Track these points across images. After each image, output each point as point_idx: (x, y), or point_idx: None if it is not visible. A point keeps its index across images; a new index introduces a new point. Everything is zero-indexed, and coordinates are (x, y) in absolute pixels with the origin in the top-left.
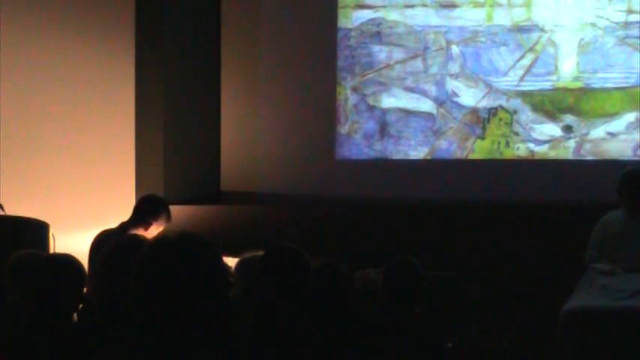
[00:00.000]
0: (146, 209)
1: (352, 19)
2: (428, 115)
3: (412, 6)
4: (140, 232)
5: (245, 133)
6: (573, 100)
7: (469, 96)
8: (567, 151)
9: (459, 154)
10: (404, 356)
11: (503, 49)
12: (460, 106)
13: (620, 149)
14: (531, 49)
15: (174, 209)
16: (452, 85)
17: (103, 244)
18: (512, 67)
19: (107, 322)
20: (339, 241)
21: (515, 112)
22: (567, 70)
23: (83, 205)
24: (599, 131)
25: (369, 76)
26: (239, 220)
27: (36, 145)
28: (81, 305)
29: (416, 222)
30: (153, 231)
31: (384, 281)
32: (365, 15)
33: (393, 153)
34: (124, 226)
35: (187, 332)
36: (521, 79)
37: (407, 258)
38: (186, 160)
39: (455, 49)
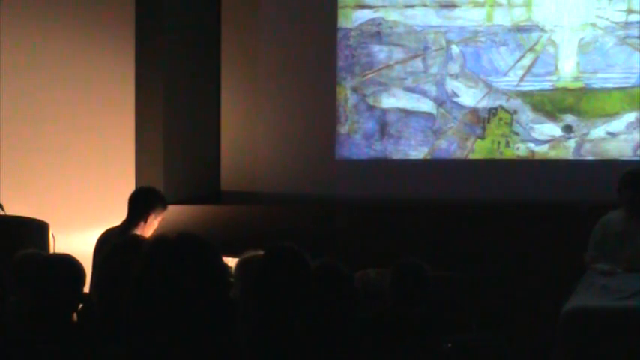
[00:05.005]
0: (140, 202)
1: (352, 19)
2: (428, 115)
3: (412, 6)
4: (141, 226)
5: (245, 133)
6: (573, 100)
7: (469, 96)
8: (567, 151)
9: (459, 154)
10: (404, 356)
11: (503, 49)
12: (460, 106)
13: (620, 149)
14: (531, 49)
15: (174, 209)
16: (452, 85)
17: (106, 243)
18: (512, 67)
19: (107, 322)
20: (339, 241)
21: (515, 112)
22: (567, 70)
23: (83, 205)
24: (599, 131)
25: (369, 76)
26: (239, 220)
27: (36, 145)
28: (81, 305)
29: (416, 222)
30: (153, 222)
31: (390, 282)
32: (365, 15)
33: (393, 153)
34: (125, 225)
35: (187, 332)
36: (521, 79)
37: (415, 260)
38: (186, 160)
39: (455, 49)
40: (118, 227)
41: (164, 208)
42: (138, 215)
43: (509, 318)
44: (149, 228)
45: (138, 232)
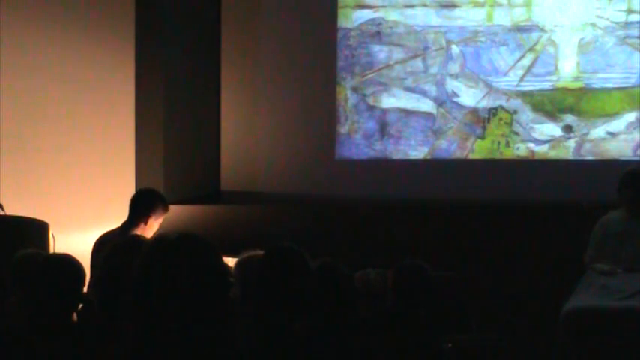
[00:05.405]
0: (141, 204)
1: (352, 19)
2: (428, 115)
3: (412, 6)
4: (141, 228)
5: (245, 133)
6: (573, 100)
7: (469, 96)
8: (567, 151)
9: (459, 154)
10: (404, 356)
11: (503, 49)
12: (460, 106)
13: (620, 149)
14: (531, 49)
15: (174, 209)
16: (452, 85)
17: (104, 245)
18: (512, 67)
19: (107, 322)
20: (339, 241)
21: (515, 112)
22: (567, 70)
23: (83, 205)
24: (599, 131)
25: (369, 76)
26: (239, 220)
27: (36, 145)
28: (81, 305)
29: (416, 222)
30: (153, 224)
31: (392, 283)
32: (365, 15)
33: (393, 153)
34: (124, 226)
35: (187, 332)
36: (521, 79)
37: (417, 261)
38: (186, 160)
39: (455, 49)
40: (117, 229)
41: (165, 210)
42: (138, 217)
43: (509, 318)
44: (149, 229)
45: (138, 233)
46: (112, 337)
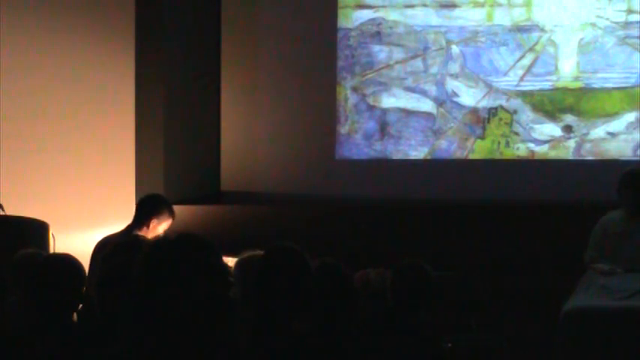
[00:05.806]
0: (144, 207)
1: (352, 19)
2: (428, 115)
3: (412, 6)
4: (143, 231)
5: (245, 133)
6: (573, 100)
7: (469, 96)
8: (567, 151)
9: (459, 154)
10: (404, 356)
11: (503, 49)
12: (460, 106)
13: (620, 149)
14: (531, 49)
15: (174, 209)
16: (452, 85)
17: (105, 248)
18: (512, 67)
19: (107, 322)
20: (340, 241)
21: (515, 112)
22: (567, 70)
23: (83, 205)
24: (599, 131)
25: (369, 76)
26: (239, 220)
27: (36, 145)
28: (81, 305)
29: (416, 222)
30: (156, 228)
31: (392, 282)
32: (365, 15)
33: (393, 153)
34: (127, 229)
35: (187, 332)
36: (521, 79)
37: (417, 261)
38: (186, 160)
39: (455, 49)
40: (119, 232)
41: (170, 215)
42: (141, 219)
43: (509, 318)
44: (152, 233)
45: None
46: (112, 337)
